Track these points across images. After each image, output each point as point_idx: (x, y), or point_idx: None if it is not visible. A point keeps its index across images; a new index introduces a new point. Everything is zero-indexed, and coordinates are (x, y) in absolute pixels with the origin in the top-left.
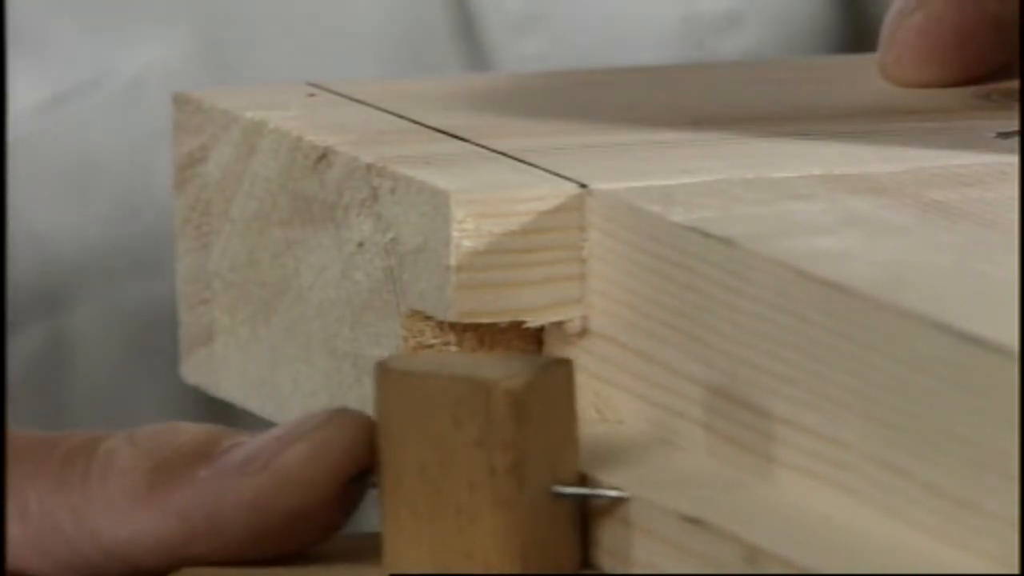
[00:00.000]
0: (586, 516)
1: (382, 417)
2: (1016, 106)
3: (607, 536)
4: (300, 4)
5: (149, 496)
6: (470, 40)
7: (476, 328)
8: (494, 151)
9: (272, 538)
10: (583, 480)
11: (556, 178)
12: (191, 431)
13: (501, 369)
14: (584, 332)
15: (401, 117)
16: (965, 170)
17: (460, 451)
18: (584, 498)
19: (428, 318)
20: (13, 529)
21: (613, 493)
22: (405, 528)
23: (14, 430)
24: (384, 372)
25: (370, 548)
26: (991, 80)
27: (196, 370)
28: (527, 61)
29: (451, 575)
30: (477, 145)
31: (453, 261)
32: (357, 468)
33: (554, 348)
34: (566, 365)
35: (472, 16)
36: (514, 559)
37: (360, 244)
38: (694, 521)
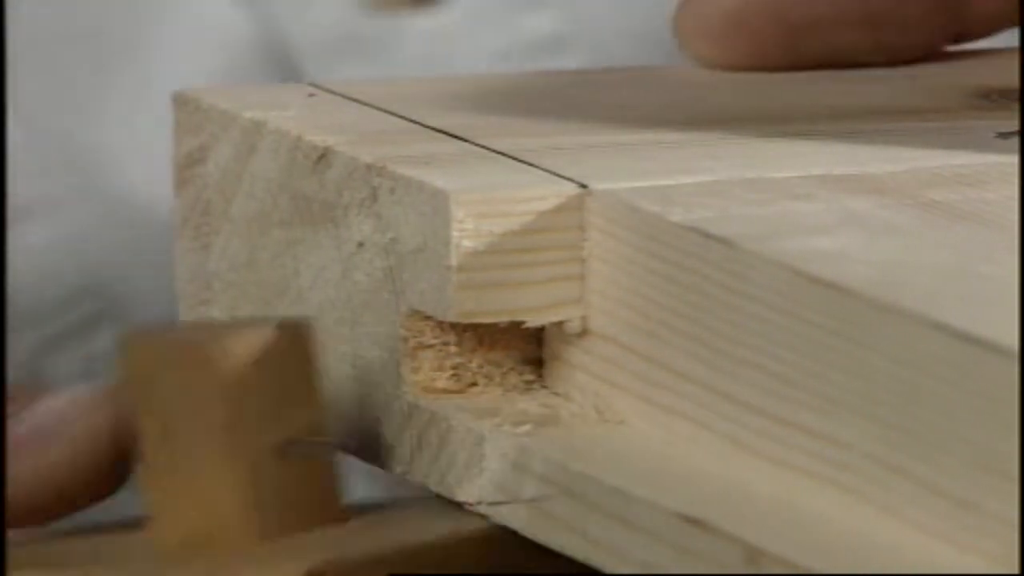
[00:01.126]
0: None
1: (129, 390)
2: (1016, 106)
3: (606, 535)
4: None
5: None
6: (282, 64)
7: (476, 328)
8: (494, 151)
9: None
10: (319, 433)
11: (556, 178)
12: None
13: (228, 332)
14: (584, 332)
15: (401, 117)
16: (965, 170)
17: (190, 413)
18: (300, 450)
19: (428, 318)
20: None
21: (320, 440)
22: (156, 492)
23: None
24: (122, 345)
25: None
26: (773, 70)
27: None
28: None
29: (198, 533)
30: (477, 145)
31: (453, 261)
32: (119, 456)
33: (554, 348)
34: (299, 325)
35: (283, 38)
36: (251, 514)
37: (360, 244)
38: (694, 521)
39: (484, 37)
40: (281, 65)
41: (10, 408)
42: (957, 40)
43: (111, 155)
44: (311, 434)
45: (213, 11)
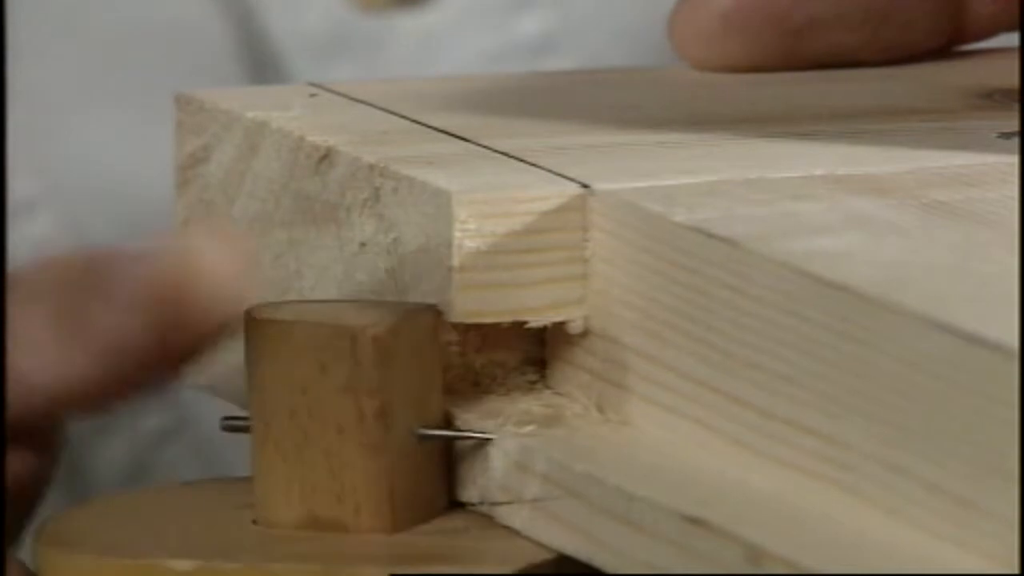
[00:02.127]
0: (453, 458)
1: (250, 365)
2: (1017, 106)
3: (609, 535)
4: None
5: (58, 341)
6: (265, 65)
7: (479, 328)
8: (496, 151)
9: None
10: (448, 423)
11: (558, 178)
12: (63, 262)
13: (366, 315)
14: (586, 332)
15: (403, 117)
16: (966, 170)
17: (327, 396)
18: (450, 439)
19: None
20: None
21: (478, 435)
22: (275, 473)
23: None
24: (250, 320)
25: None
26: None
27: (198, 372)
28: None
29: (321, 519)
30: (479, 145)
31: (455, 261)
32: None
33: (557, 348)
34: (430, 310)
35: (268, 39)
36: (383, 501)
37: (362, 244)
38: (697, 521)
39: (473, 38)
40: (265, 66)
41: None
42: (954, 41)
43: (100, 152)
44: (440, 419)
45: (193, 10)
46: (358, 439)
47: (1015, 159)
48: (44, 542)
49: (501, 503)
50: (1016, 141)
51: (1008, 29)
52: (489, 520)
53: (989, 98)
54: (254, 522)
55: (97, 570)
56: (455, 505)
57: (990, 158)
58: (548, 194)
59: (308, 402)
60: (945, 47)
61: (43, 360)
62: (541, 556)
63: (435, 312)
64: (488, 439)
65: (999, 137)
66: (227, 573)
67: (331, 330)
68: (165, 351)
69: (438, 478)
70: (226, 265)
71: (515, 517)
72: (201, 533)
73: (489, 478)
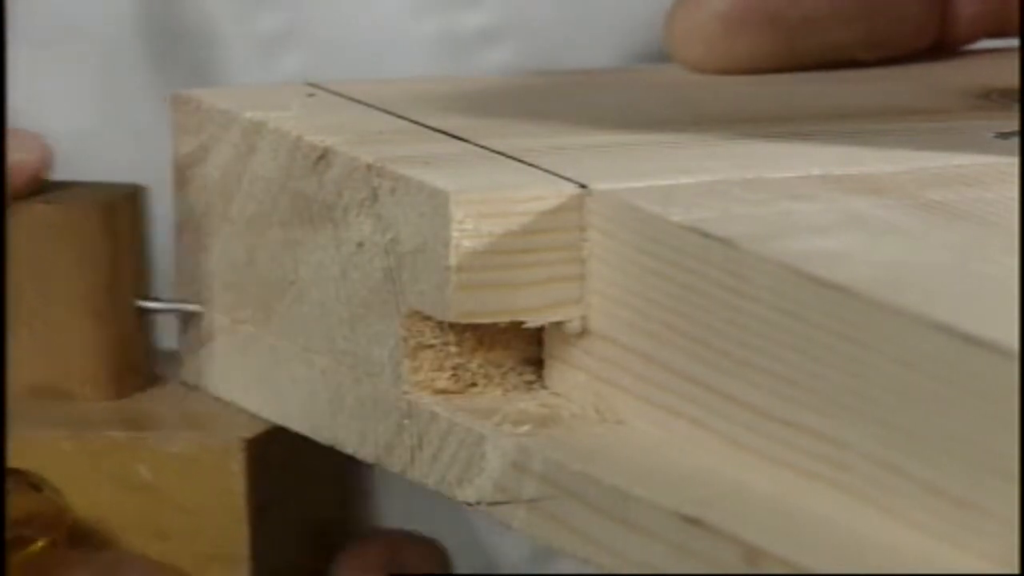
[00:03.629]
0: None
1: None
2: (1016, 106)
3: (606, 535)
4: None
5: None
6: (210, 61)
7: (476, 328)
8: (494, 151)
9: None
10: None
11: (556, 178)
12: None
13: (86, 195)
14: (584, 332)
15: (400, 117)
16: (965, 170)
17: (57, 270)
18: (165, 312)
19: (427, 318)
20: None
21: (192, 307)
22: (15, 343)
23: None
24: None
25: None
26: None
27: (196, 370)
28: (282, 80)
29: (49, 386)
30: (477, 145)
31: (453, 261)
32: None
33: (554, 348)
34: (135, 191)
35: (211, 34)
36: (107, 369)
37: (359, 244)
38: (694, 521)
39: (418, 31)
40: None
41: None
42: (941, 41)
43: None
44: (146, 295)
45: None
46: (84, 310)
47: (1014, 159)
48: None
49: (498, 503)
50: (1015, 141)
51: (990, 33)
52: (199, 392)
53: (987, 98)
54: None
55: None
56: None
57: (988, 158)
58: (545, 194)
59: (37, 278)
60: (933, 46)
61: None
62: (258, 424)
63: (140, 194)
64: (198, 312)
65: (997, 137)
66: None
67: (62, 209)
68: None
69: (149, 349)
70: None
71: (512, 517)
72: None
73: (486, 478)
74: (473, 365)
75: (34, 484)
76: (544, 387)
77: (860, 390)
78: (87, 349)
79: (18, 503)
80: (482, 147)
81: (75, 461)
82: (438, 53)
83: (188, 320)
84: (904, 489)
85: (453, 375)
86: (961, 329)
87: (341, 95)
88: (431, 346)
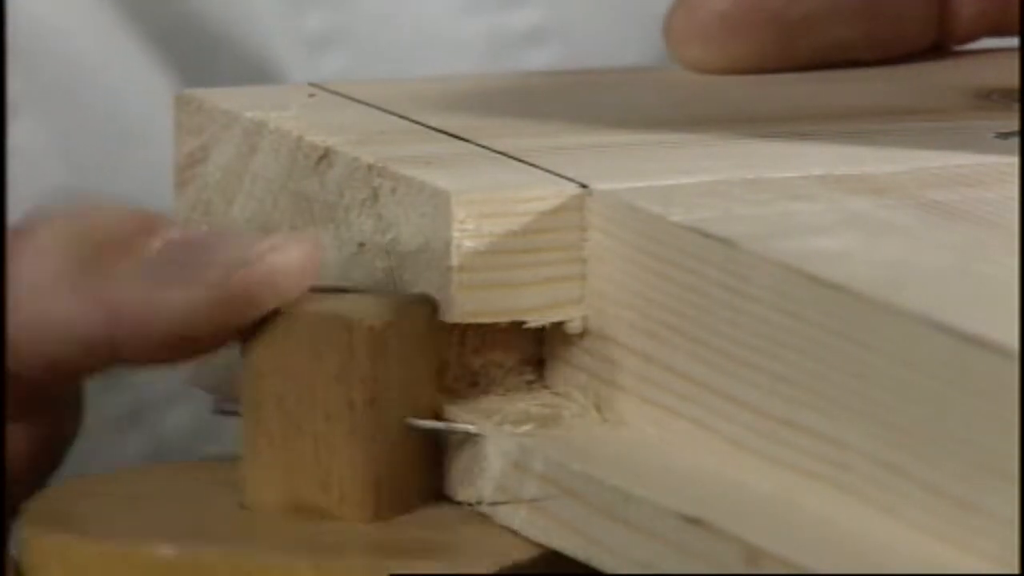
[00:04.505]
0: (444, 454)
1: (245, 350)
2: (1016, 106)
3: (607, 535)
4: None
5: (77, 283)
6: (258, 58)
7: (477, 328)
8: (495, 151)
9: (198, 350)
10: (439, 417)
11: (557, 178)
12: (116, 213)
13: (362, 306)
14: (584, 332)
15: (402, 117)
16: (965, 170)
17: (319, 384)
18: (439, 432)
19: None
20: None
21: (467, 427)
22: (262, 458)
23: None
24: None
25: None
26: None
27: (196, 372)
28: (329, 79)
29: (306, 505)
30: (478, 145)
31: (454, 261)
32: (293, 289)
33: (555, 348)
34: (427, 302)
35: (261, 34)
36: (368, 489)
37: (361, 244)
38: (694, 521)
39: (465, 31)
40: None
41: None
42: (941, 40)
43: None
44: (431, 412)
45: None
46: (347, 427)
47: (1014, 159)
48: (29, 521)
49: (499, 503)
50: (1015, 141)
51: (990, 33)
52: (473, 515)
53: (988, 98)
54: (240, 505)
55: (80, 552)
56: (444, 501)
57: (989, 158)
58: (546, 194)
59: (298, 389)
60: (933, 46)
61: (45, 303)
62: (522, 551)
63: (432, 304)
64: (476, 434)
65: (997, 137)
66: (210, 559)
67: (327, 320)
68: (183, 343)
69: (425, 471)
70: (298, 276)
71: (513, 517)
72: (184, 513)
73: (487, 478)
74: (474, 365)
75: None
76: (545, 387)
77: (860, 390)
78: (351, 467)
79: None
80: (483, 147)
81: None
82: (482, 53)
83: (463, 442)
84: (904, 489)
85: (454, 375)
86: (961, 329)
87: (342, 95)
88: None
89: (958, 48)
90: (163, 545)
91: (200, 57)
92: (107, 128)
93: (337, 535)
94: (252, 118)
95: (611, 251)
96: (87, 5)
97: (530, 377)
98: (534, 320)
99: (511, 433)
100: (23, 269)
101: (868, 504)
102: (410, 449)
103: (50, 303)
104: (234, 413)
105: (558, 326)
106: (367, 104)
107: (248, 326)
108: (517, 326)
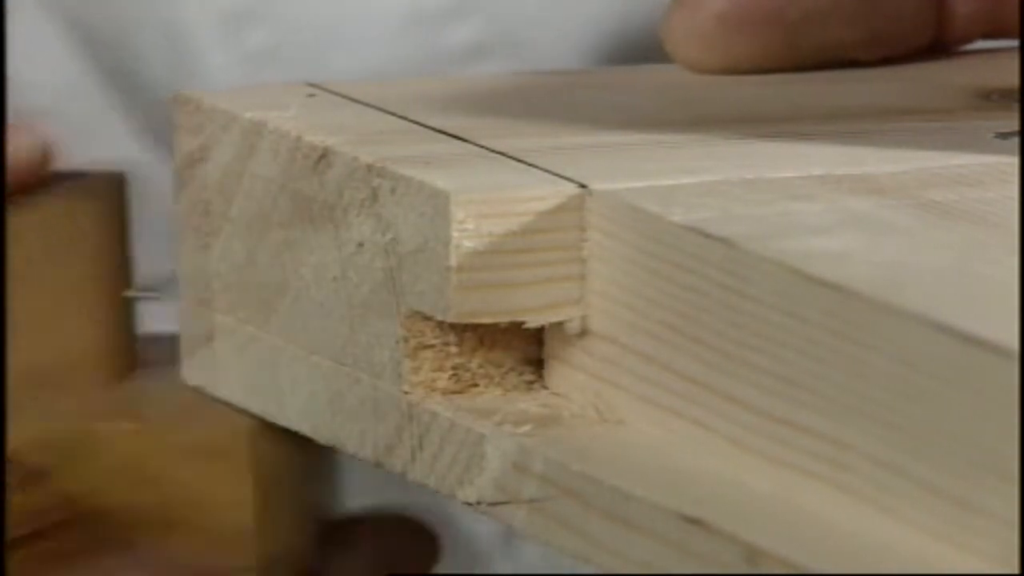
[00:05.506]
0: None
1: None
2: (1016, 106)
3: (606, 535)
4: None
5: None
6: (173, 36)
7: (476, 328)
8: (494, 151)
9: None
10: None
11: (556, 178)
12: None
13: (72, 187)
14: (584, 332)
15: (401, 117)
16: (965, 170)
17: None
18: (150, 300)
19: (428, 318)
20: None
21: (153, 296)
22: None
23: None
24: None
25: None
26: (769, 71)
27: (196, 370)
28: (249, 55)
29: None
30: (477, 145)
31: (453, 261)
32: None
33: (554, 348)
34: (118, 178)
35: (178, 9)
36: (104, 356)
37: (360, 244)
38: (694, 521)
39: (384, 8)
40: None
41: None
42: (938, 40)
43: None
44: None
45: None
46: (79, 297)
47: (1014, 159)
48: None
49: (499, 503)
50: (1015, 141)
51: (986, 33)
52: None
53: (988, 98)
54: None
55: None
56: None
57: (989, 158)
58: (546, 194)
59: (37, 266)
60: (931, 45)
61: None
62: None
63: (122, 179)
64: (157, 297)
65: (996, 137)
66: None
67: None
68: None
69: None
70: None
71: (512, 517)
72: None
73: (486, 478)
74: (473, 365)
75: (39, 473)
76: (544, 387)
77: (860, 390)
78: (79, 337)
79: (24, 497)
80: (482, 147)
81: (79, 450)
82: (404, 27)
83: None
84: (904, 489)
85: (453, 375)
86: (961, 329)
87: (341, 95)
88: (431, 346)
89: (958, 48)
90: None
91: (116, 36)
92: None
93: (85, 402)
94: (251, 118)
95: (611, 251)
96: None
97: (529, 377)
98: (533, 320)
99: (511, 433)
100: None
101: (868, 504)
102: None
103: None
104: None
105: (557, 326)
106: (366, 104)
107: None
108: (516, 326)
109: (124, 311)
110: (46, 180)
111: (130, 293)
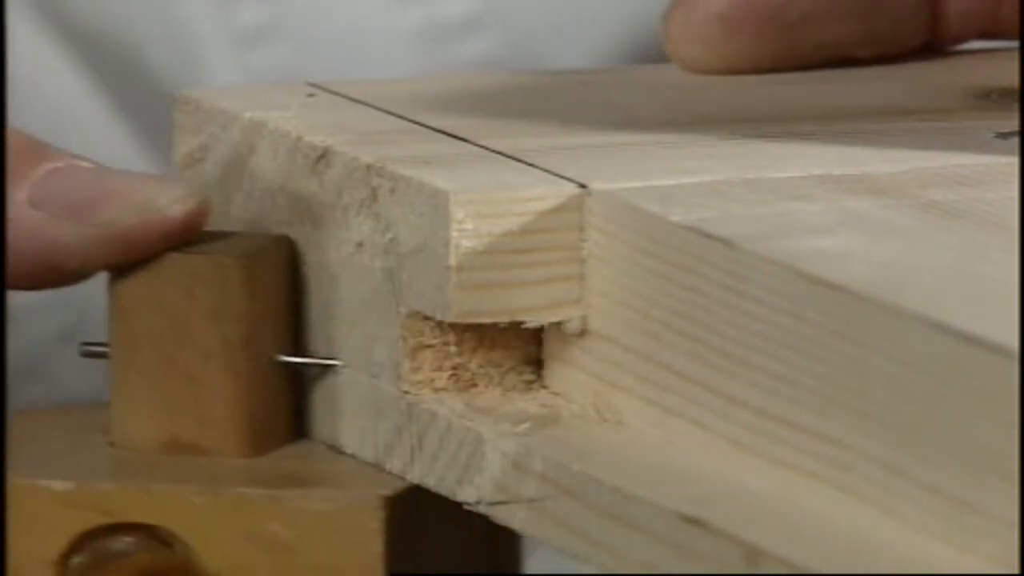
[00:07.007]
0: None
1: (114, 289)
2: (1016, 106)
3: (606, 535)
4: None
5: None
6: (188, 53)
7: (476, 328)
8: (493, 151)
9: (63, 281)
10: (301, 351)
11: (555, 178)
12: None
13: (231, 246)
14: (583, 332)
15: (400, 117)
16: (965, 170)
17: (194, 322)
18: (304, 366)
19: (427, 318)
20: None
21: (328, 362)
22: (136, 397)
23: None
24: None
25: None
26: (768, 70)
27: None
28: (264, 73)
29: (182, 442)
30: (476, 145)
31: (452, 261)
32: (183, 238)
33: (554, 348)
34: (286, 242)
35: (192, 28)
36: (242, 424)
37: (359, 244)
38: (694, 521)
39: (399, 22)
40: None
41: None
42: (933, 39)
43: None
44: (293, 347)
45: None
46: (223, 364)
47: (1014, 159)
48: None
49: (498, 503)
50: (1015, 141)
51: (980, 32)
52: (335, 448)
53: (987, 98)
54: (111, 445)
55: None
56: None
57: (988, 158)
58: (545, 194)
59: (173, 327)
60: (926, 44)
61: None
62: (396, 481)
63: (288, 242)
64: (335, 365)
65: (997, 137)
66: (104, 492)
67: (201, 259)
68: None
69: (289, 403)
70: (186, 229)
71: (512, 517)
72: (66, 455)
73: (486, 478)
74: (473, 365)
75: (164, 540)
76: (544, 387)
77: (860, 390)
78: (230, 404)
79: (147, 558)
80: (482, 147)
81: (207, 517)
82: (418, 45)
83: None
84: (904, 489)
85: (453, 375)
86: (961, 329)
87: (341, 95)
88: (431, 346)
89: (957, 48)
90: (57, 481)
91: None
92: (20, 120)
93: (219, 468)
94: (251, 118)
95: (610, 251)
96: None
97: (529, 377)
98: (533, 320)
99: (510, 433)
100: None
101: (868, 504)
102: (280, 385)
103: None
104: (102, 355)
105: (557, 326)
106: (366, 104)
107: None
108: (516, 326)
109: (278, 375)
110: (195, 235)
111: (285, 358)
